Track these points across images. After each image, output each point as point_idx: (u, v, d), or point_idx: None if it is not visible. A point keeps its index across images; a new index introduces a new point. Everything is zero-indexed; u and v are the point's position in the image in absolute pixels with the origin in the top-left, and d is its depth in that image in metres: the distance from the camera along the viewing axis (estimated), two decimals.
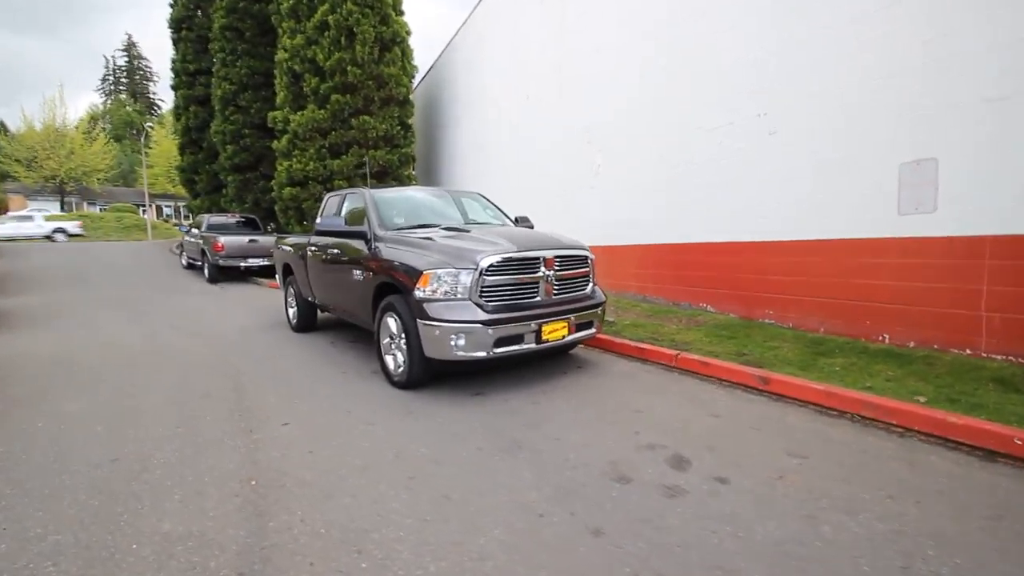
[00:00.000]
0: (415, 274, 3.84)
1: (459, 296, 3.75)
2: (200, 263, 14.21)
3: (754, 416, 3.39)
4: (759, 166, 5.52)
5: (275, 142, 13.90)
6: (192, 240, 14.86)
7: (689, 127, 6.32)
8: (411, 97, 14.22)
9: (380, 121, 13.27)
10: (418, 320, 3.82)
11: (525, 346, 3.88)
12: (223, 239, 12.95)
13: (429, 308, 3.75)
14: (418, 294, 3.82)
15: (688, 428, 3.21)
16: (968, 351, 3.97)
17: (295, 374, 4.71)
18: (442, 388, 4.09)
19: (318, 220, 5.29)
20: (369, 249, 4.59)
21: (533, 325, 3.89)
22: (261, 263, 13.49)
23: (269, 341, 6.26)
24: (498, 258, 3.82)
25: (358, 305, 4.82)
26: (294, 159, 13.18)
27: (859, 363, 4.08)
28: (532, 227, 5.31)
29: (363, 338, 6.15)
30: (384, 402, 3.85)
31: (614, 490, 2.48)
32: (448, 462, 2.83)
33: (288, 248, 6.88)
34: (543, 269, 4.04)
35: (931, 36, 4.06)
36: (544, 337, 3.95)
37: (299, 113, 13.16)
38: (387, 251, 4.30)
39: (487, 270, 3.76)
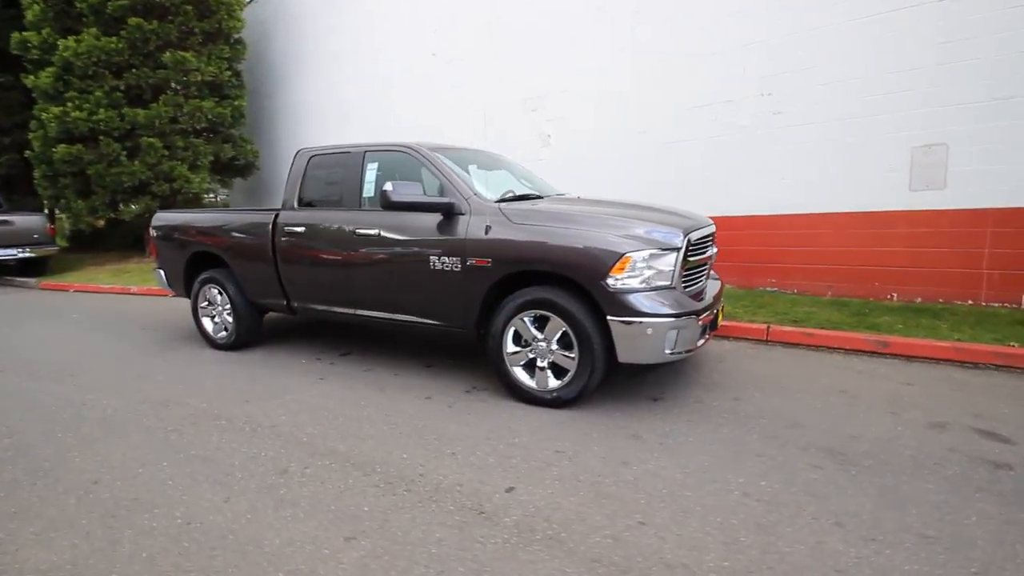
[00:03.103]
0: (608, 258, 2.93)
1: (663, 283, 3.01)
2: None
3: (932, 378, 3.57)
4: (762, 145, 5.84)
5: (27, 77, 9.51)
6: None
7: (680, 103, 6.32)
8: (243, 36, 11.28)
9: (205, 62, 10.20)
10: (611, 317, 2.95)
11: (707, 335, 3.36)
12: None
13: (632, 301, 2.92)
14: (612, 283, 2.93)
15: (916, 400, 3.19)
16: (970, 302, 4.92)
17: (362, 414, 3.25)
18: (606, 399, 3.29)
19: (383, 191, 3.42)
20: (454, 229, 3.37)
21: (715, 310, 3.39)
22: (18, 255, 9.21)
23: (212, 370, 4.24)
24: (696, 235, 3.19)
25: (437, 304, 3.53)
26: (68, 104, 9.25)
27: (904, 319, 4.67)
28: None
29: (361, 347, 4.64)
30: (584, 431, 2.90)
31: None
32: (818, 493, 2.24)
33: (205, 230, 4.72)
34: (713, 247, 3.54)
35: (946, 39, 4.77)
36: (717, 323, 3.49)
37: (72, 38, 9.27)
38: (520, 230, 3.19)
39: (689, 249, 3.11)
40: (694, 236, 3.19)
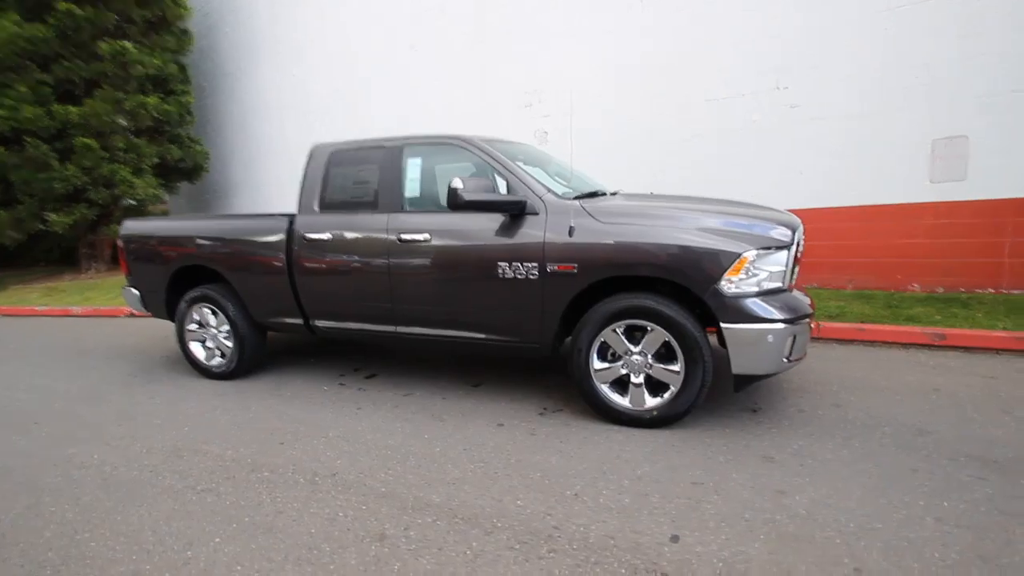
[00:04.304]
0: (723, 259, 2.61)
1: (776, 285, 2.73)
2: None
3: (1008, 370, 3.49)
4: (778, 139, 5.76)
5: None
6: None
7: (689, 96, 6.16)
8: (189, 26, 10.24)
9: (148, 54, 9.16)
10: (726, 324, 2.64)
11: None
12: None
13: (750, 305, 2.62)
14: (727, 287, 2.62)
15: (1015, 395, 3.07)
16: (991, 290, 5.01)
17: (434, 451, 2.77)
18: (698, 414, 2.98)
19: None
20: (527, 231, 2.95)
21: None
22: None
23: (216, 405, 3.59)
24: (800, 231, 2.94)
25: (506, 318, 3.09)
26: None
27: (937, 310, 4.67)
28: None
29: (385, 367, 4.11)
30: (706, 454, 2.56)
31: None
32: (1009, 510, 2.01)
33: (195, 241, 4.02)
34: (802, 245, 3.31)
35: (966, 33, 4.83)
36: None
37: None
38: (611, 231, 2.81)
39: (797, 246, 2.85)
40: (799, 232, 2.94)
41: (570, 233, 2.88)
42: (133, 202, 9.85)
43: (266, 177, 10.90)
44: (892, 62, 5.15)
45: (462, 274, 3.16)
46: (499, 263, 3.02)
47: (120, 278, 9.38)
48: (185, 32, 9.98)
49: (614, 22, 6.58)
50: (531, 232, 2.96)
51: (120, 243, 4.41)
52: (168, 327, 5.44)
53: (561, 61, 7.03)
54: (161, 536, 2.12)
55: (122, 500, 2.41)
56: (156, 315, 4.45)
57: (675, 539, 1.95)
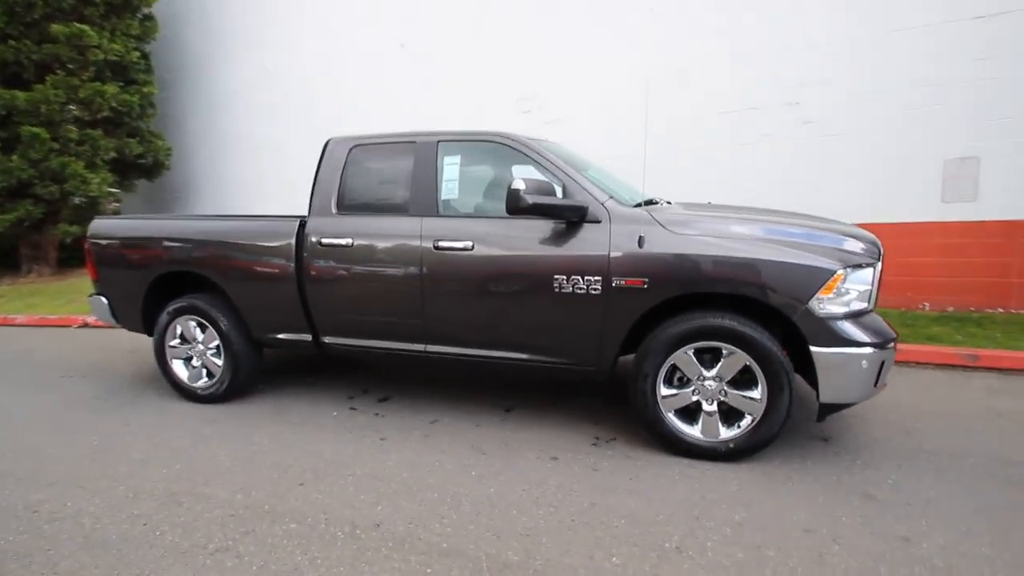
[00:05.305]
0: (817, 276, 2.38)
1: (863, 305, 2.53)
2: None
3: None
4: (789, 155, 5.70)
5: None
6: None
7: (698, 108, 6.05)
8: (154, 12, 9.49)
9: (108, 38, 8.40)
10: (818, 348, 2.40)
11: None
12: None
13: (843, 327, 2.40)
14: (818, 307, 2.39)
15: None
16: (1000, 310, 5.05)
17: (488, 492, 2.40)
18: (771, 447, 2.73)
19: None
20: (588, 240, 2.65)
21: None
22: None
23: (209, 435, 3.10)
24: (880, 244, 2.75)
25: (561, 338, 2.76)
26: None
27: (954, 329, 4.66)
28: None
29: (397, 388, 3.68)
30: (799, 492, 2.29)
31: None
32: None
33: (185, 244, 3.50)
34: None
35: (982, 55, 4.88)
36: None
37: None
38: (686, 242, 2.53)
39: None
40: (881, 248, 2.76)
41: (640, 244, 2.59)
42: (84, 200, 8.95)
43: (230, 176, 10.20)
44: (906, 80, 5.17)
45: (510, 288, 2.81)
46: (555, 276, 2.70)
47: (69, 283, 8.48)
48: (150, 18, 9.23)
49: (619, 28, 6.42)
50: (593, 242, 2.66)
51: (88, 244, 3.82)
52: (133, 339, 4.86)
53: (563, 67, 6.82)
54: None
55: (114, 567, 1.92)
56: (129, 328, 3.87)
57: None
